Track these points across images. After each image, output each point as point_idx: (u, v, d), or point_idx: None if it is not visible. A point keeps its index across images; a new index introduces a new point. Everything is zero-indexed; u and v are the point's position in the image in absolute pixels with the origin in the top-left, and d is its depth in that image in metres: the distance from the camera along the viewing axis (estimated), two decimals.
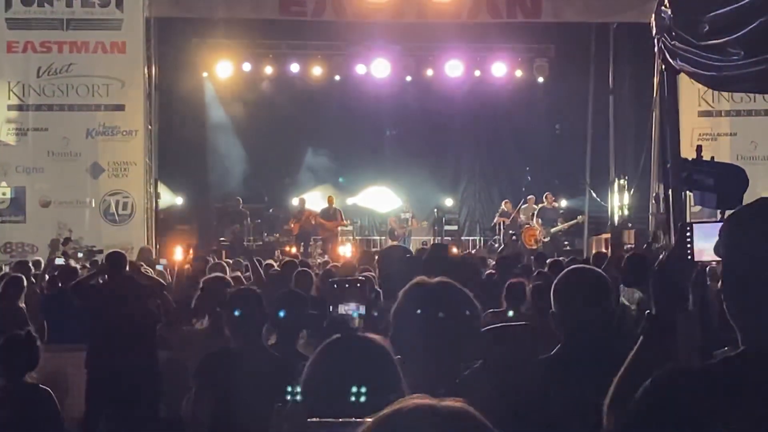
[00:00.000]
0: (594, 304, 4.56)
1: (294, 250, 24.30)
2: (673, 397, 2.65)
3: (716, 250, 2.89)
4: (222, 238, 24.93)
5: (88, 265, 17.75)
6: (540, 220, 25.36)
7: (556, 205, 25.81)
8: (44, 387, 7.06)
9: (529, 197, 25.93)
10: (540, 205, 25.63)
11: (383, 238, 26.15)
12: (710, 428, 2.55)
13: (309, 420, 2.71)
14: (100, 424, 10.21)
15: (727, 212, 4.51)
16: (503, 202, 26.31)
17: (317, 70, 26.45)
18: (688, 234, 3.34)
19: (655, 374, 2.76)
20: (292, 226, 25.57)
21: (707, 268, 5.28)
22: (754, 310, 2.71)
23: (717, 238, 2.87)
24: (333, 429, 2.65)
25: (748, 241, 2.75)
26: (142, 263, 13.75)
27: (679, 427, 2.60)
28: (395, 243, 22.85)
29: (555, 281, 4.80)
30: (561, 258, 15.04)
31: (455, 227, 27.25)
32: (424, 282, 3.88)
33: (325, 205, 25.93)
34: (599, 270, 5.10)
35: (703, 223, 3.31)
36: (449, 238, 25.35)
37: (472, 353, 3.98)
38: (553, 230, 25.10)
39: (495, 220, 26.37)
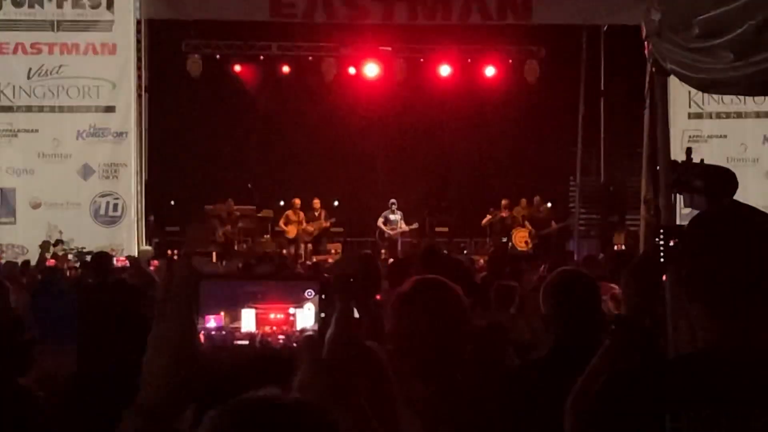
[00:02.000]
0: (585, 306, 4.57)
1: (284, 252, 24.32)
2: (629, 395, 2.65)
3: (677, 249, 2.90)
4: (213, 240, 24.88)
5: (78, 267, 17.75)
6: (528, 223, 25.40)
7: (545, 207, 25.83)
8: (38, 393, 6.97)
9: (521, 200, 25.95)
10: (530, 208, 25.65)
11: (373, 239, 26.14)
12: (663, 424, 2.55)
13: None
14: (89, 423, 10.18)
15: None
16: (503, 202, 26.16)
17: (308, 72, 26.42)
18: (661, 237, 3.35)
19: (611, 373, 2.78)
20: (287, 228, 25.55)
21: None
22: (717, 313, 2.72)
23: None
24: None
25: (710, 244, 2.76)
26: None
27: (632, 423, 2.60)
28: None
29: (545, 283, 4.81)
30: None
31: (446, 228, 27.24)
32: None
33: (313, 207, 25.91)
34: (586, 272, 5.12)
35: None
36: (440, 240, 25.32)
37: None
38: (542, 233, 25.10)
39: (484, 222, 26.35)
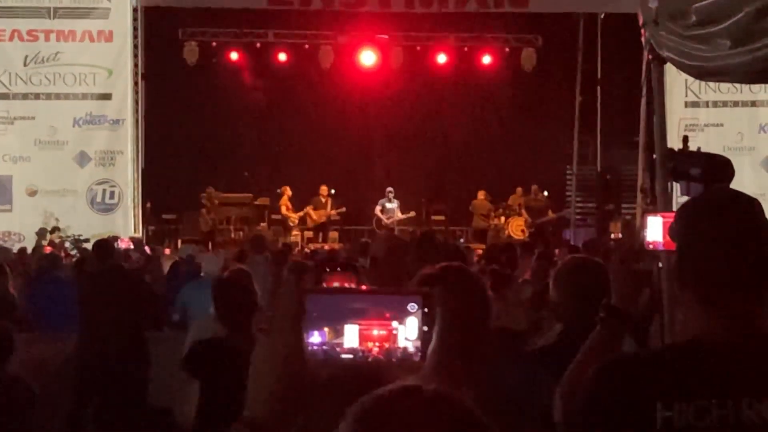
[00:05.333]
0: (596, 293, 4.54)
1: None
2: (620, 384, 2.66)
3: (671, 235, 2.91)
4: (205, 229, 24.84)
5: (75, 254, 17.77)
6: (525, 211, 25.43)
7: (542, 196, 25.86)
8: (26, 382, 6.90)
9: (517, 189, 25.98)
10: (526, 196, 25.68)
11: (370, 227, 26.13)
12: (654, 413, 2.56)
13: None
14: (88, 410, 10.22)
15: None
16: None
17: (305, 60, 26.42)
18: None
19: (602, 361, 2.79)
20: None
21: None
22: (706, 301, 2.72)
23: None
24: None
25: (703, 228, 2.77)
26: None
27: (623, 412, 2.61)
28: (386, 231, 22.98)
29: (555, 270, 4.79)
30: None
31: (442, 217, 27.23)
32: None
33: (320, 194, 25.95)
34: (599, 260, 5.10)
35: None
36: (437, 228, 25.33)
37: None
38: (538, 221, 25.12)
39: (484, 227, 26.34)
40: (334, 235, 26.13)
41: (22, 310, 11.10)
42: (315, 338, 2.55)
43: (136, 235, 21.84)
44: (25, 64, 22.63)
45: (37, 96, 22.73)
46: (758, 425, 2.55)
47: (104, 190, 22.83)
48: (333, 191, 27.13)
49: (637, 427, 2.58)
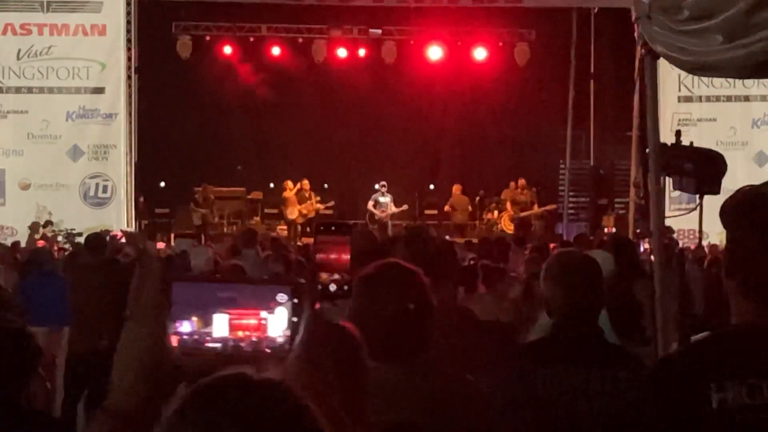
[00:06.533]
0: (586, 287, 4.54)
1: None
2: (673, 372, 2.82)
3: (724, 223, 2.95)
4: (197, 223, 24.80)
5: (68, 248, 17.75)
6: (509, 205, 25.39)
7: (527, 190, 25.66)
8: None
9: (510, 183, 25.97)
10: (513, 190, 25.62)
11: (363, 222, 26.12)
12: (709, 395, 2.67)
13: None
14: (79, 403, 10.21)
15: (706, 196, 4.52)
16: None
17: (298, 54, 26.41)
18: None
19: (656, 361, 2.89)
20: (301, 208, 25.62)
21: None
22: (753, 288, 2.80)
23: None
24: None
25: (754, 220, 2.84)
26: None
27: (681, 397, 2.73)
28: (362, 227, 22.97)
29: (545, 264, 4.78)
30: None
31: (435, 211, 27.24)
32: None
33: (302, 188, 25.89)
34: (588, 254, 5.10)
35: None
36: (430, 222, 25.32)
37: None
38: (522, 214, 25.05)
39: (476, 203, 26.34)
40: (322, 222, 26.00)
41: (15, 305, 11.08)
42: (184, 327, 2.53)
43: (129, 229, 21.83)
44: (18, 58, 22.61)
45: (30, 90, 22.72)
46: None
47: (97, 184, 22.83)
48: (326, 185, 27.17)
49: (696, 409, 2.68)
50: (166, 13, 24.74)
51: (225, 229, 25.21)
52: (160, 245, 20.22)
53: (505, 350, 5.15)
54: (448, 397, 3.53)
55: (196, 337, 2.57)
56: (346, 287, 3.23)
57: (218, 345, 2.59)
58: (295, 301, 2.58)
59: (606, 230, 22.59)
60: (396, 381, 3.45)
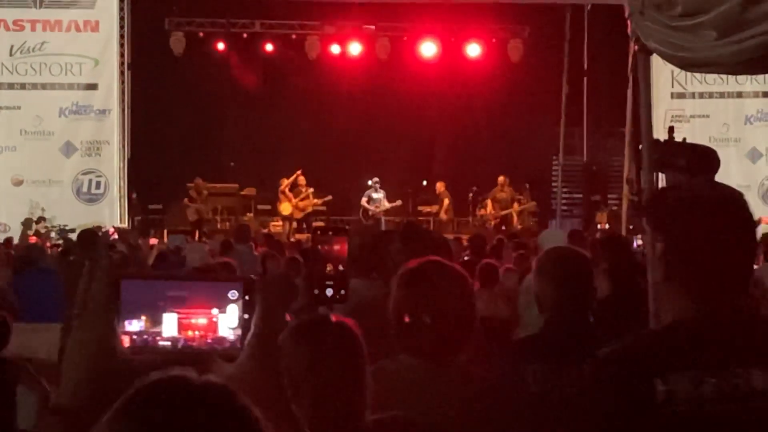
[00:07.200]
0: (578, 284, 4.54)
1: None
2: (617, 368, 2.78)
3: (650, 225, 2.98)
4: (192, 219, 24.78)
5: (60, 244, 17.72)
6: (490, 202, 25.32)
7: (509, 189, 25.49)
8: (21, 362, 6.97)
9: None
10: (496, 188, 25.50)
11: (356, 218, 26.12)
12: (653, 389, 2.67)
13: None
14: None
15: None
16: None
17: (292, 50, 26.40)
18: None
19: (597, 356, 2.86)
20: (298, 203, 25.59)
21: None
22: (694, 288, 2.82)
23: None
24: None
25: (692, 223, 2.85)
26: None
27: (632, 389, 2.70)
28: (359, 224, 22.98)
29: (537, 260, 4.78)
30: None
31: (429, 207, 27.23)
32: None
33: (298, 184, 25.85)
34: (580, 249, 5.10)
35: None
36: (423, 218, 25.33)
37: None
38: (502, 212, 25.00)
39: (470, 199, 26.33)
40: (318, 225, 26.04)
41: (7, 301, 11.07)
42: (133, 326, 2.51)
43: (122, 225, 21.81)
44: (11, 54, 22.58)
45: (23, 86, 22.68)
46: (750, 393, 2.69)
47: (90, 180, 22.80)
48: (319, 181, 27.14)
49: (641, 404, 2.68)
50: (159, 9, 24.71)
51: (219, 225, 25.19)
52: (153, 241, 20.20)
53: (500, 346, 5.16)
54: (478, 402, 3.54)
55: (146, 336, 2.55)
56: (342, 292, 3.22)
57: (168, 344, 2.57)
58: (247, 298, 2.56)
59: (599, 226, 22.60)
60: (430, 380, 3.46)
